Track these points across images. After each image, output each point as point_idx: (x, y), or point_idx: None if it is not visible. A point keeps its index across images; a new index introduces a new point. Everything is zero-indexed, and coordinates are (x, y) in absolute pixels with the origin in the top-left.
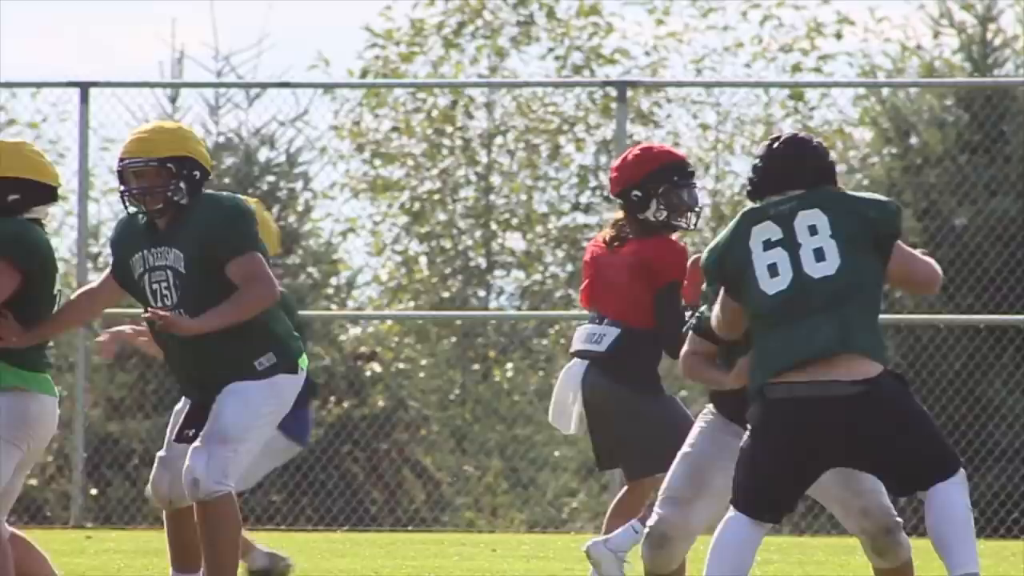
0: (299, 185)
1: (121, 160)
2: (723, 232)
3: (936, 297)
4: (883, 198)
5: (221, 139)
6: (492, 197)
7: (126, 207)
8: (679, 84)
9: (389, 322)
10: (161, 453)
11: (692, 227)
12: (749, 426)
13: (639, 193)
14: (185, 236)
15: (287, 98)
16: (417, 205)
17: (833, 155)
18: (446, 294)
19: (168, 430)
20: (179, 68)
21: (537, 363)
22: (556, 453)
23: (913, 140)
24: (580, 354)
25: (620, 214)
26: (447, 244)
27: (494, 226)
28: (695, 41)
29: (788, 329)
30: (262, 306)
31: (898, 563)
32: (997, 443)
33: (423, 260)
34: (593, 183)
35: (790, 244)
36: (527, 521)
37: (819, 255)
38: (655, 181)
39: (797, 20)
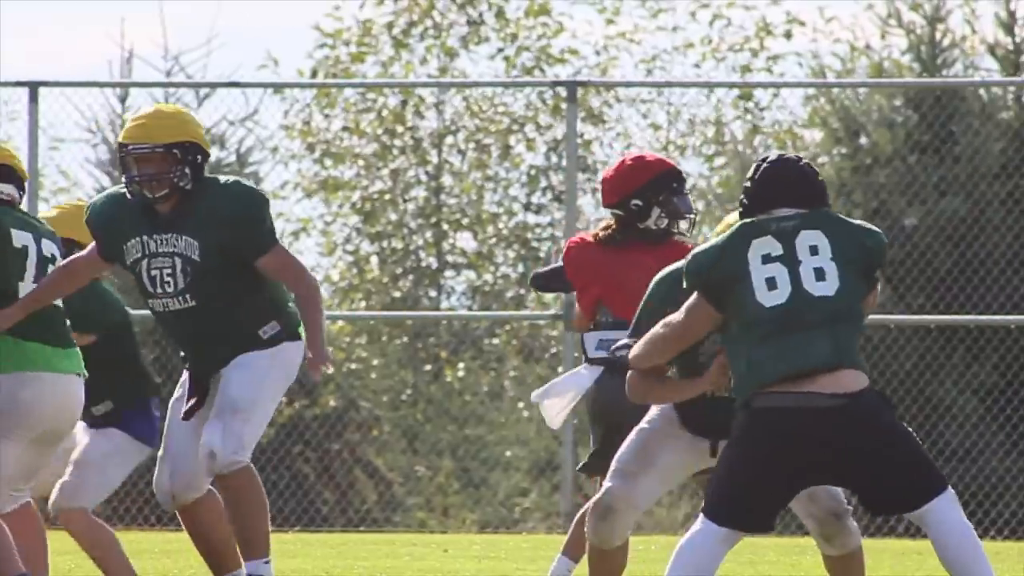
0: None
1: (124, 146)
2: (715, 239)
3: (887, 297)
4: (875, 228)
5: None
6: (443, 197)
7: (130, 194)
8: (629, 84)
9: (340, 322)
10: (159, 452)
11: (689, 233)
12: (732, 435)
13: (639, 202)
14: (199, 224)
15: (237, 98)
16: (368, 205)
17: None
18: (397, 294)
19: (165, 427)
20: (128, 68)
21: (488, 363)
22: (508, 453)
23: (863, 140)
24: (603, 362)
25: (610, 222)
26: (398, 244)
27: (445, 226)
28: (645, 41)
29: (782, 341)
30: (318, 289)
31: (846, 550)
32: (948, 443)
33: (374, 260)
34: (544, 183)
35: (790, 260)
36: (478, 521)
37: (819, 275)
38: (654, 189)
39: (747, 20)
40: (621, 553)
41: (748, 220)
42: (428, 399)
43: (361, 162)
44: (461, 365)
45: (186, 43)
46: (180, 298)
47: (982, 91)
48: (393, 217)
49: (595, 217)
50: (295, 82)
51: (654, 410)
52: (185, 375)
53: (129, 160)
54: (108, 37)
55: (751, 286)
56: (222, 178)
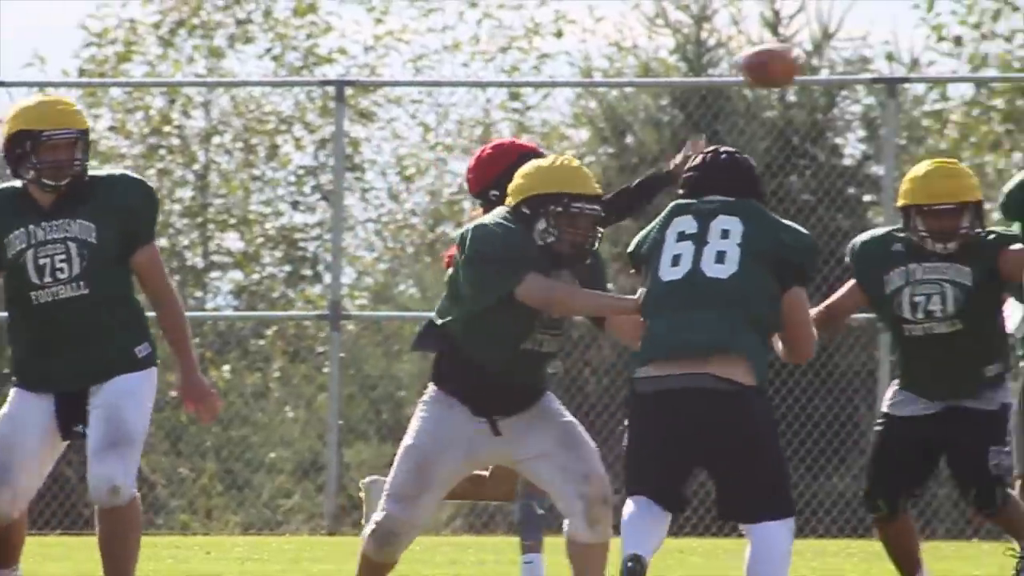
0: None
1: (37, 133)
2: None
3: None
4: (804, 231)
5: None
6: (209, 197)
7: (32, 181)
8: (397, 84)
9: None
10: None
11: None
12: (629, 414)
13: (497, 192)
14: (96, 208)
15: (1, 97)
16: None
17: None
18: None
19: (3, 446)
20: None
21: (254, 363)
22: (272, 455)
23: (629, 139)
24: None
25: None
26: (164, 244)
27: (211, 226)
28: (414, 41)
29: (674, 317)
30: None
31: (603, 538)
32: None
33: None
34: (312, 182)
35: (699, 240)
36: (242, 523)
37: (720, 257)
38: (511, 177)
39: (515, 20)
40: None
41: (678, 201)
42: None
43: (128, 162)
44: (226, 366)
45: None
46: (74, 284)
47: (747, 90)
48: (159, 217)
49: (363, 217)
50: (61, 81)
51: (417, 425)
52: (20, 397)
53: (30, 148)
54: None
55: (660, 260)
56: (128, 172)
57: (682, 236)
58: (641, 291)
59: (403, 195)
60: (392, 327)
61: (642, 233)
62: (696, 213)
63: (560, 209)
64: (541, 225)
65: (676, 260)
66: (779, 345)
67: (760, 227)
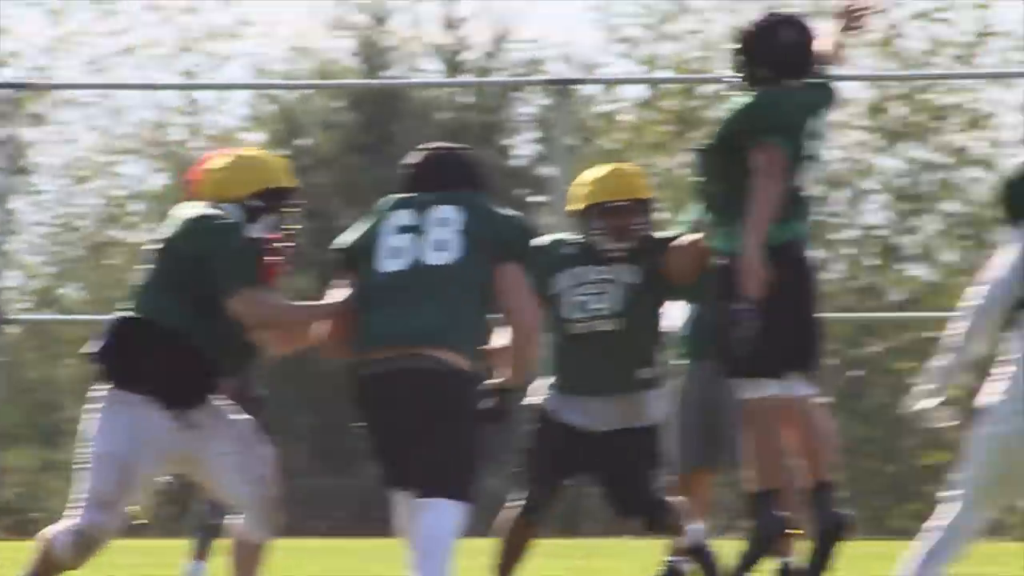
0: None
1: None
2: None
3: None
4: (519, 216)
5: None
6: None
7: None
8: (71, 86)
9: None
10: None
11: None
12: (355, 401)
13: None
14: None
15: None
16: None
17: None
18: None
19: None
20: None
21: None
22: None
23: (304, 141)
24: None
25: None
26: None
27: None
28: (91, 43)
29: (392, 307)
30: None
31: (270, 539)
32: None
33: None
34: None
35: (419, 231)
36: None
37: (440, 245)
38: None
39: (194, 23)
40: None
41: (395, 196)
42: None
43: None
44: None
45: None
46: None
47: (423, 92)
48: None
49: (33, 220)
50: None
51: (113, 428)
52: None
53: None
54: None
55: (377, 253)
56: None
57: (400, 229)
58: (346, 291)
59: (72, 198)
60: (56, 330)
61: (352, 230)
62: (414, 205)
63: (287, 204)
64: (273, 220)
65: (396, 252)
66: (506, 370)
67: (477, 214)
